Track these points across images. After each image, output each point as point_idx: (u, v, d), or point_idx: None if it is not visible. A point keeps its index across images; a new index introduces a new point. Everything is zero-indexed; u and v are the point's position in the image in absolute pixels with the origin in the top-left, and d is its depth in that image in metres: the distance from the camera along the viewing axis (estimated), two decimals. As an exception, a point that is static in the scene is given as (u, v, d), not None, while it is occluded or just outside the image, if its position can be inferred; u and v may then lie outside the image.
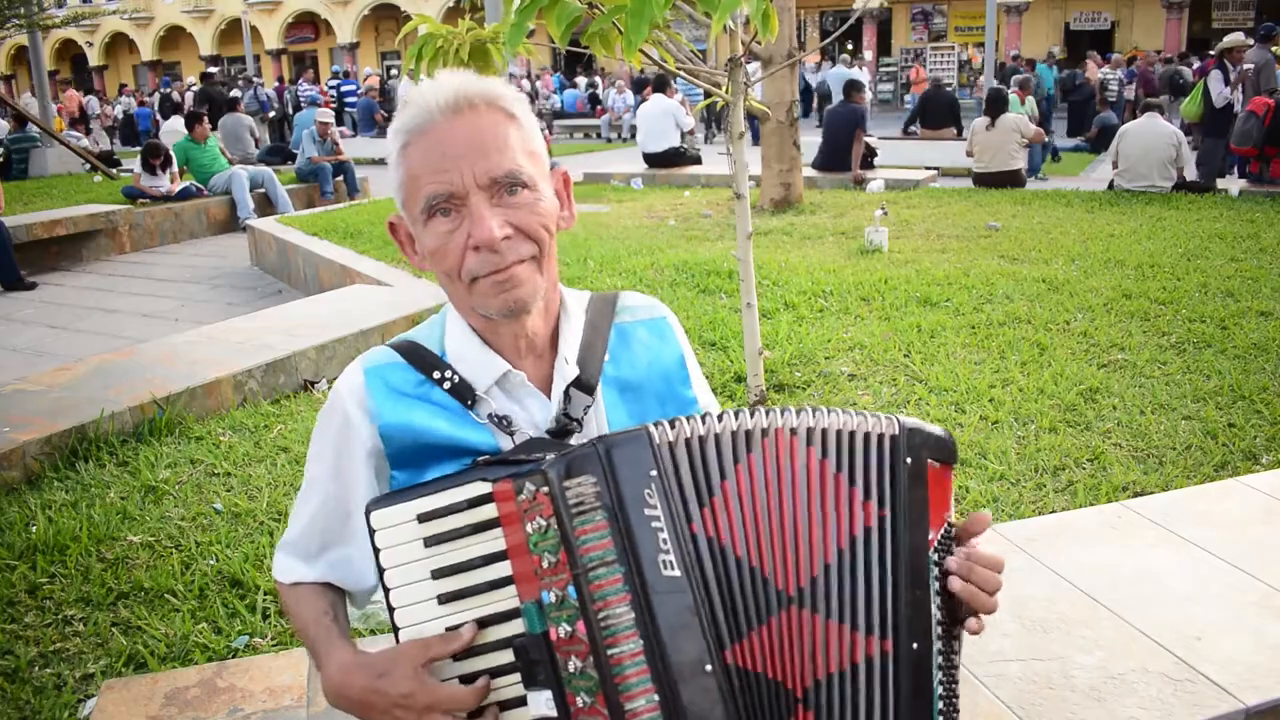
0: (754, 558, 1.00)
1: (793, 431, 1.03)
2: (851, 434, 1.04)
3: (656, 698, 0.94)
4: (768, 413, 1.04)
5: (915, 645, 1.02)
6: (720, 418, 1.03)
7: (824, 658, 1.01)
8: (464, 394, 1.14)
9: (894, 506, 1.04)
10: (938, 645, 1.04)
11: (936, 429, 1.10)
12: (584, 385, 1.16)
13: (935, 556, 1.06)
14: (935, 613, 1.04)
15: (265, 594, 2.69)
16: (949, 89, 17.66)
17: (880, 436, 1.05)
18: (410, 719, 1.01)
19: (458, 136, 1.05)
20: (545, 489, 0.97)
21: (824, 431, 1.04)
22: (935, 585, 1.05)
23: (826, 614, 1.01)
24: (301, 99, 21.52)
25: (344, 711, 1.07)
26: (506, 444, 1.13)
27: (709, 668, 0.96)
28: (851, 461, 1.04)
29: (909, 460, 1.05)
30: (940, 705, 1.03)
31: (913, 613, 1.02)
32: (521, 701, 1.01)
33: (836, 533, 1.02)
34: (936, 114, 16.19)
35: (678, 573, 0.97)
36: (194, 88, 20.90)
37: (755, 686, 0.99)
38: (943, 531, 1.07)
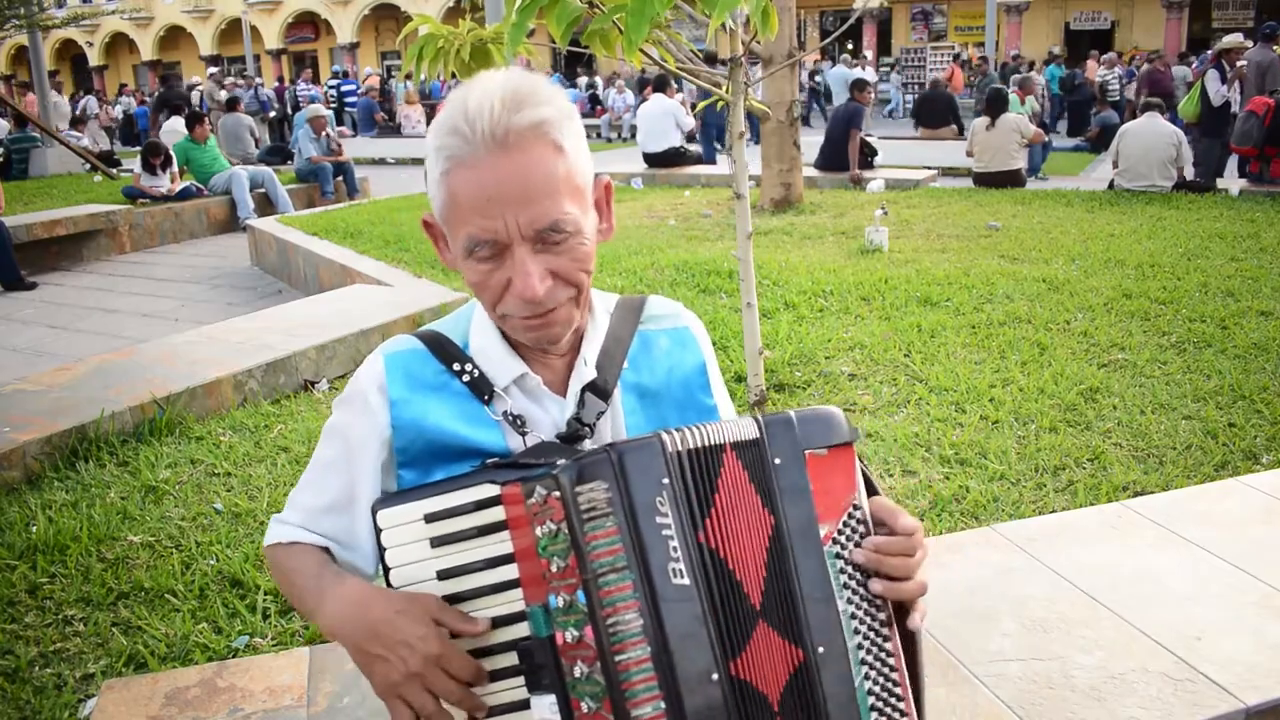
0: (739, 571, 1.00)
1: (732, 445, 1.04)
2: (742, 444, 1.04)
3: (663, 705, 0.94)
4: (724, 426, 1.04)
5: (822, 650, 1.00)
6: (709, 429, 1.03)
7: (779, 669, 1.01)
8: (482, 389, 1.14)
9: (774, 510, 1.03)
10: (856, 641, 1.02)
11: (814, 413, 1.07)
12: (599, 390, 1.16)
13: (835, 550, 1.04)
14: (846, 608, 1.02)
15: (265, 594, 2.69)
16: (948, 89, 17.69)
17: (749, 443, 1.04)
18: (414, 662, 0.98)
19: (503, 178, 1.00)
20: (557, 493, 0.97)
21: (739, 444, 1.04)
22: (840, 580, 1.03)
23: (773, 625, 1.01)
24: (300, 99, 21.54)
25: (346, 640, 1.04)
26: (517, 443, 1.13)
27: (715, 677, 0.95)
28: (754, 470, 1.04)
29: (777, 461, 1.04)
30: (872, 701, 1.02)
31: (814, 617, 1.01)
32: (525, 705, 1.00)
33: (761, 544, 1.02)
34: (935, 113, 16.20)
35: (687, 581, 0.96)
36: (158, 90, 20.78)
37: (750, 698, 0.99)
38: (845, 518, 1.05)
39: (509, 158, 1.00)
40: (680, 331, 1.26)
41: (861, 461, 1.11)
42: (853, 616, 1.03)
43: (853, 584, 1.04)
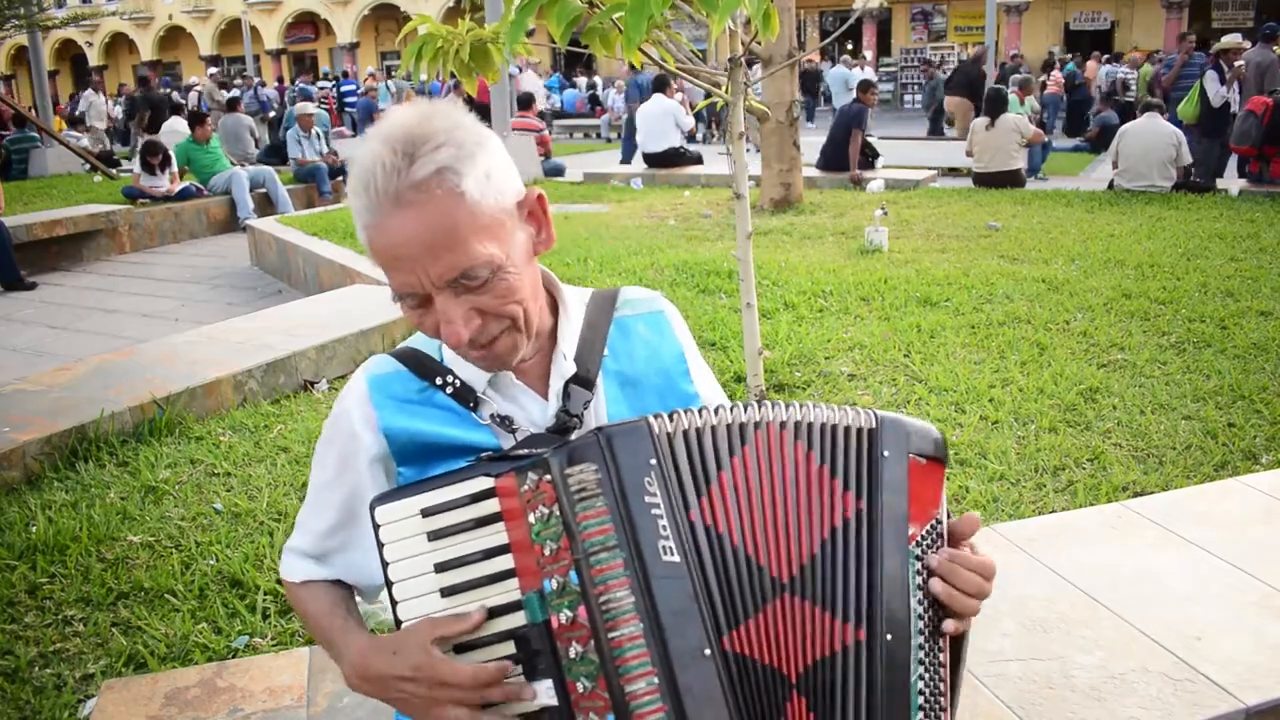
0: (749, 547, 1.02)
1: (782, 425, 1.05)
2: (834, 427, 1.07)
3: (656, 680, 0.95)
4: (760, 407, 1.06)
5: (890, 636, 1.02)
6: (716, 411, 1.05)
7: (813, 644, 1.02)
8: (465, 397, 1.16)
9: (870, 499, 1.05)
10: (918, 640, 1.04)
11: (922, 425, 1.11)
12: (582, 380, 1.18)
13: (917, 551, 1.07)
14: (915, 607, 1.05)
15: (265, 594, 2.69)
16: (982, 65, 17.59)
17: (860, 430, 1.07)
18: (421, 693, 1.02)
19: (403, 234, 1.00)
20: (548, 477, 0.99)
21: (809, 425, 1.06)
22: (916, 580, 1.06)
23: (815, 601, 1.02)
24: (297, 98, 21.54)
25: (366, 694, 1.09)
26: (508, 443, 1.15)
27: (707, 652, 0.97)
28: (834, 454, 1.06)
29: (886, 454, 1.06)
30: (920, 701, 1.03)
31: (888, 605, 1.03)
32: None
33: (821, 523, 1.04)
34: (958, 83, 16.10)
35: (677, 559, 0.98)
36: (133, 93, 20.32)
37: (752, 672, 1.00)
38: (929, 527, 1.08)
39: (405, 216, 1.00)
40: (655, 317, 1.28)
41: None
42: (919, 617, 1.05)
43: (925, 588, 1.07)
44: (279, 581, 2.72)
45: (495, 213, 1.04)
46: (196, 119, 11.10)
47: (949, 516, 1.13)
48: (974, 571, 1.08)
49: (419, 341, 1.22)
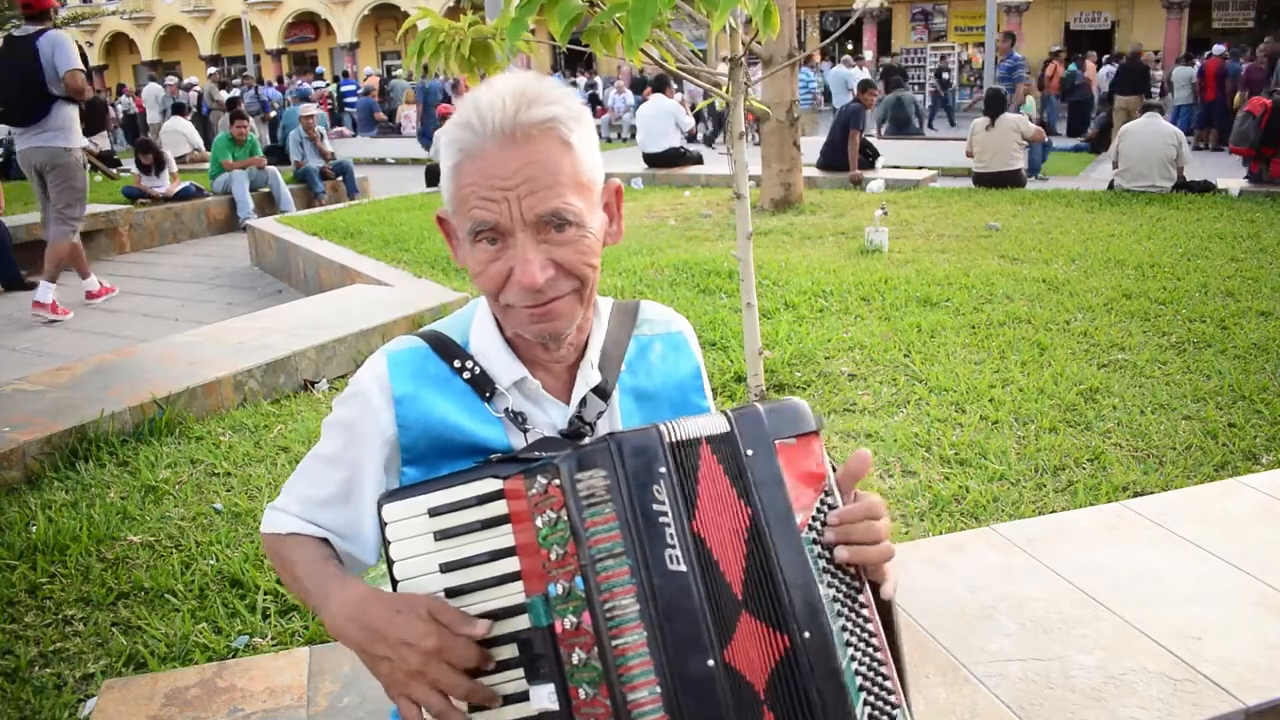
0: (722, 563, 1.02)
1: (706, 439, 1.05)
2: (719, 437, 1.05)
3: (659, 689, 0.95)
4: (693, 423, 1.06)
5: (807, 635, 1.00)
6: (688, 424, 1.05)
7: (764, 657, 1.01)
8: (483, 386, 1.16)
9: (751, 503, 1.04)
10: (839, 624, 1.02)
11: (779, 404, 1.09)
12: (601, 392, 1.19)
13: (811, 536, 1.05)
14: (825, 592, 1.03)
15: (265, 594, 2.69)
16: (1142, 58, 17.12)
17: (718, 437, 1.05)
18: (415, 660, 1.00)
19: (509, 167, 1.04)
20: (557, 481, 0.99)
21: (712, 438, 1.05)
22: (820, 564, 1.04)
23: (755, 615, 1.01)
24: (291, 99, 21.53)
25: (350, 644, 1.07)
26: (519, 440, 1.15)
27: (710, 663, 0.97)
28: (727, 463, 1.05)
29: (749, 453, 1.05)
30: (860, 681, 1.02)
31: (797, 603, 1.01)
32: (524, 696, 1.02)
33: (738, 535, 1.03)
34: (1127, 81, 15.21)
35: (683, 568, 0.98)
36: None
37: (743, 688, 1.00)
38: (818, 504, 1.06)
39: (516, 150, 1.04)
40: (674, 336, 1.30)
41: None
42: (834, 600, 1.03)
43: (831, 568, 1.05)
44: (279, 582, 2.72)
45: (589, 178, 1.10)
46: (237, 115, 11.00)
47: (834, 470, 1.10)
48: (864, 519, 1.06)
49: (446, 325, 1.23)
